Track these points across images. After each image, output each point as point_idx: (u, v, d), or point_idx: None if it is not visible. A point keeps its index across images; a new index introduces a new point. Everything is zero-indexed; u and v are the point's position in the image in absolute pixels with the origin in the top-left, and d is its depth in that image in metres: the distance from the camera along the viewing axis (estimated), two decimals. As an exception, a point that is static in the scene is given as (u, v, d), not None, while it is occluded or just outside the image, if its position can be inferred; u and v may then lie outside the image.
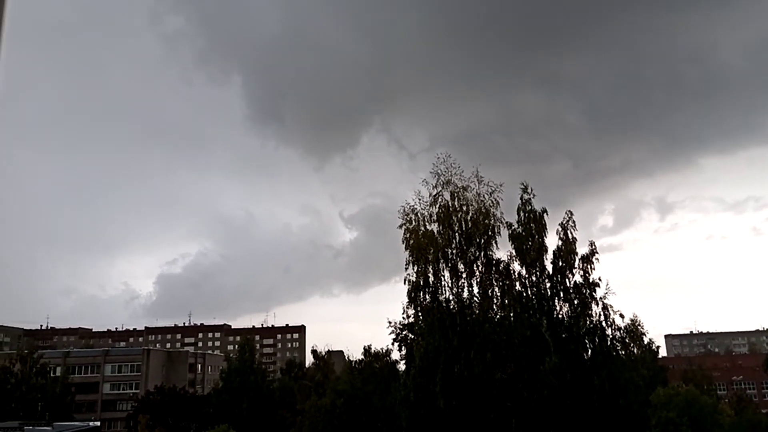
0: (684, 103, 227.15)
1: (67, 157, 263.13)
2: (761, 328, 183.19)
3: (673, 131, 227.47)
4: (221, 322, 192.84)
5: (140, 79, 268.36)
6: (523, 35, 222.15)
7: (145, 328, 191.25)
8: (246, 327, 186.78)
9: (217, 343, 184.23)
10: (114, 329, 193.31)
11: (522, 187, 34.69)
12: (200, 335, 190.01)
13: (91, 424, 70.48)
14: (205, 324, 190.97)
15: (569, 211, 35.02)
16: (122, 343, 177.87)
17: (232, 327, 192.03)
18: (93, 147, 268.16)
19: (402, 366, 40.75)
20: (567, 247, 33.65)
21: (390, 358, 52.95)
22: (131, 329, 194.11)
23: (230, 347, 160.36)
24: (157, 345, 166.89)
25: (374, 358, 55.38)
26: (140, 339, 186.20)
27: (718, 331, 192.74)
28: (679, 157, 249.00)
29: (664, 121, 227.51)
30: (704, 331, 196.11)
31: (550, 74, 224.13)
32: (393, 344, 39.05)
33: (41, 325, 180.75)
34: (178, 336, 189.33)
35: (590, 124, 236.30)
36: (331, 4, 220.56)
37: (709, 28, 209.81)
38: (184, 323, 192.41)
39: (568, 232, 34.11)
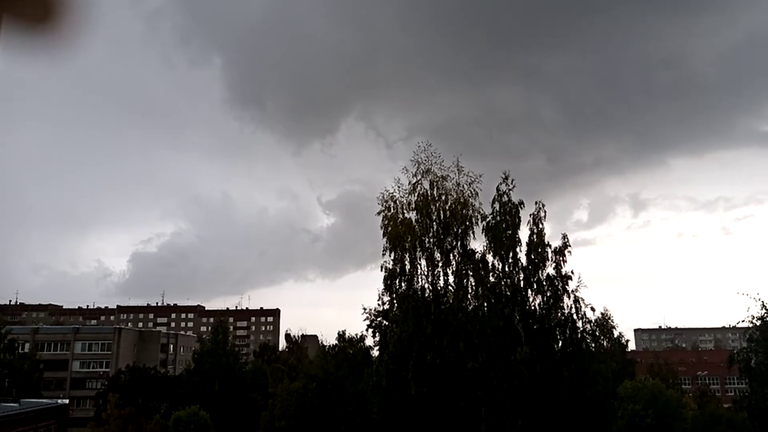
0: (656, 105, 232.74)
1: (42, 133, 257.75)
2: (727, 325, 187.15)
3: (644, 131, 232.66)
4: (195, 303, 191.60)
5: (119, 56, 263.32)
6: (503, 31, 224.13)
7: (117, 306, 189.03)
8: (220, 309, 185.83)
9: (191, 324, 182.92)
10: (85, 307, 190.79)
11: (503, 176, 34.88)
12: (173, 316, 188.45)
13: (59, 401, 69.65)
14: (178, 305, 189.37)
15: (539, 201, 35.27)
16: (93, 321, 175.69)
17: (206, 308, 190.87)
18: (69, 123, 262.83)
19: (375, 352, 41.04)
20: (538, 239, 34.00)
21: (364, 344, 53.13)
22: (103, 307, 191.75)
23: (203, 329, 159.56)
24: (129, 324, 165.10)
25: (348, 344, 55.48)
26: (112, 317, 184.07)
27: (686, 327, 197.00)
28: (650, 157, 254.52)
29: (636, 121, 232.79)
30: (672, 326, 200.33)
31: (529, 71, 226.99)
32: (367, 330, 39.25)
33: (10, 301, 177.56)
34: (151, 316, 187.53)
35: (566, 121, 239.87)
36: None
37: (682, 35, 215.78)
38: (157, 303, 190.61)
39: (539, 223, 34.48)
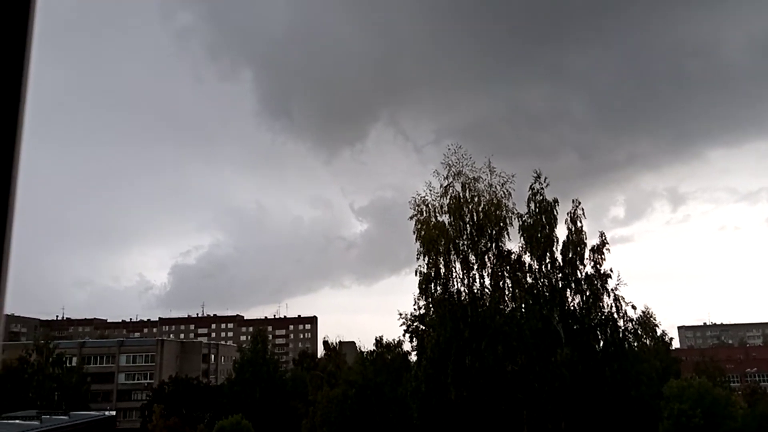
0: (689, 97, 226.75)
1: (81, 151, 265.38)
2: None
3: (679, 124, 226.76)
4: (234, 313, 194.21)
5: (152, 74, 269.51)
6: (528, 28, 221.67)
7: (159, 318, 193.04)
8: (258, 318, 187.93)
9: (230, 334, 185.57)
10: (128, 320, 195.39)
11: (534, 175, 34.52)
12: (213, 326, 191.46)
13: (106, 413, 71.38)
14: (218, 315, 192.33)
15: (576, 200, 34.79)
16: (136, 334, 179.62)
17: (245, 318, 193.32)
18: (107, 141, 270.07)
19: (413, 357, 40.91)
20: (576, 237, 33.52)
21: (401, 349, 53.05)
22: (145, 320, 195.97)
23: (243, 338, 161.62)
24: (171, 336, 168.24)
25: (386, 349, 55.51)
26: (154, 330, 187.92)
27: (732, 322, 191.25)
28: (686, 150, 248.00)
29: (669, 114, 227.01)
30: (718, 322, 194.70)
31: (556, 67, 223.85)
32: (404, 335, 39.13)
33: (57, 316, 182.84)
34: (192, 327, 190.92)
35: (596, 117, 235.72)
36: (338, 0, 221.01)
37: (713, 23, 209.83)
38: (197, 314, 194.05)
39: (577, 221, 33.98)
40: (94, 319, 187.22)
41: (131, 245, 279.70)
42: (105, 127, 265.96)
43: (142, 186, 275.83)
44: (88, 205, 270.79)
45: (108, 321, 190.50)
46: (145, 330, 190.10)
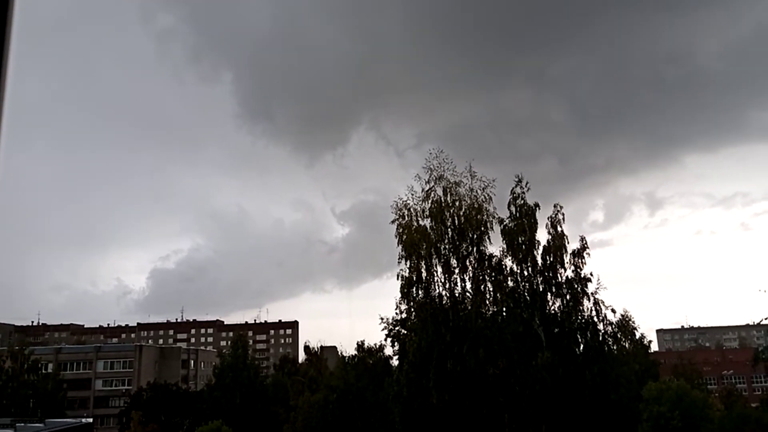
0: (665, 103, 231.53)
1: (59, 154, 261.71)
2: (751, 323, 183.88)
3: (655, 129, 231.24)
4: (214, 318, 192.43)
5: (132, 76, 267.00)
6: (507, 35, 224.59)
7: (138, 324, 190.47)
8: (239, 323, 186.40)
9: (210, 339, 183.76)
10: (106, 325, 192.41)
11: (516, 179, 34.78)
12: (193, 331, 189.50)
13: (83, 420, 70.13)
14: (197, 320, 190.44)
15: (557, 204, 35.13)
16: (114, 340, 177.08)
17: (225, 323, 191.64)
18: (85, 143, 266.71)
19: (395, 361, 40.89)
20: (556, 241, 33.81)
21: (383, 353, 53.03)
22: (123, 325, 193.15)
23: (223, 343, 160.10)
24: (150, 341, 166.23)
25: (367, 354, 55.40)
26: (132, 335, 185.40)
27: (709, 325, 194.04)
28: (663, 155, 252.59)
29: (646, 119, 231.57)
30: (695, 325, 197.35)
31: (535, 73, 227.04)
32: (386, 340, 39.09)
33: (32, 322, 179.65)
34: (171, 332, 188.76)
35: (575, 123, 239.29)
36: (320, 4, 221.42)
37: (688, 31, 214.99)
38: (176, 319, 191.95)
39: (558, 226, 34.27)
40: (71, 324, 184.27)
41: (110, 249, 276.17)
42: (83, 130, 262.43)
43: (122, 189, 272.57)
44: (66, 208, 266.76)
45: (85, 326, 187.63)
46: (123, 335, 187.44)
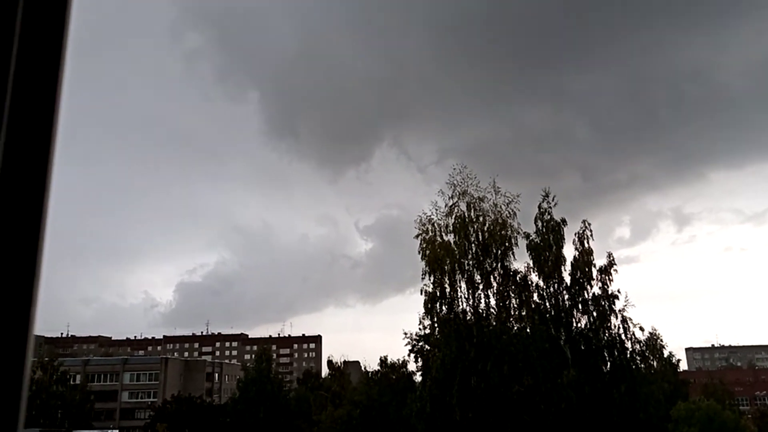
0: (687, 120, 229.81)
1: (89, 169, 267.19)
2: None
3: (678, 146, 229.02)
4: (238, 332, 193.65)
5: (160, 94, 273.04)
6: (529, 52, 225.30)
7: (164, 336, 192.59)
8: (263, 337, 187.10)
9: (234, 353, 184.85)
10: (133, 338, 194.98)
11: (543, 194, 34.55)
12: (218, 344, 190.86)
13: (109, 432, 70.95)
14: (222, 333, 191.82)
15: (585, 221, 34.77)
16: (141, 352, 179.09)
17: (249, 336, 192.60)
18: (114, 159, 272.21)
19: (418, 377, 40.63)
20: (584, 258, 33.41)
21: (406, 369, 52.68)
22: (150, 338, 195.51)
23: (247, 357, 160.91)
24: (175, 354, 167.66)
25: (390, 369, 55.12)
26: (158, 348, 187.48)
27: (740, 344, 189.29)
28: (688, 171, 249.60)
29: (669, 136, 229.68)
30: (726, 344, 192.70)
31: (556, 89, 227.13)
32: (409, 355, 38.87)
33: (62, 333, 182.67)
34: (196, 345, 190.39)
35: (596, 139, 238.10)
36: (343, 24, 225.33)
37: (708, 48, 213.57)
38: (201, 332, 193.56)
39: (585, 242, 33.90)
40: (99, 336, 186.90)
41: (138, 262, 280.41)
42: (111, 145, 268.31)
43: (150, 204, 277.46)
44: (96, 222, 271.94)
45: (112, 338, 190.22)
46: (150, 348, 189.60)
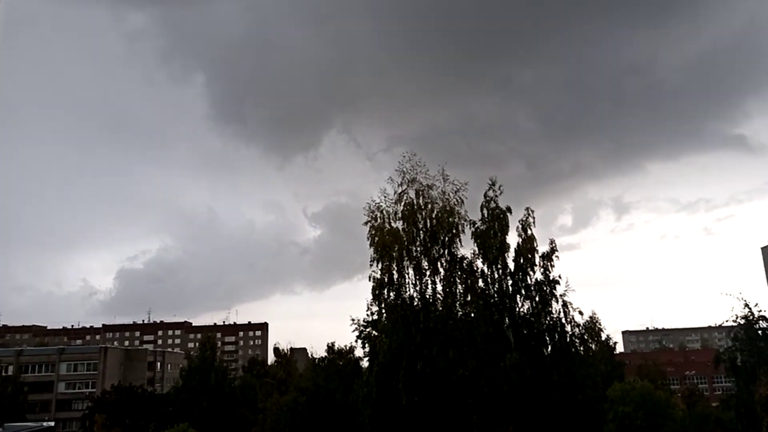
0: (627, 112, 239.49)
1: (25, 152, 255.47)
2: (713, 325, 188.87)
3: (619, 137, 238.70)
4: (182, 320, 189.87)
5: (101, 76, 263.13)
6: (476, 43, 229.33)
7: (103, 325, 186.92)
8: (207, 324, 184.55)
9: (178, 341, 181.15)
10: (70, 327, 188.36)
11: (489, 182, 35.06)
12: (160, 333, 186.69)
13: (44, 424, 68.50)
14: (165, 321, 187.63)
15: (529, 208, 35.48)
16: (78, 341, 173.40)
17: (194, 325, 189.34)
18: (52, 142, 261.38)
19: (365, 363, 40.82)
20: (527, 245, 34.18)
21: (353, 355, 52.94)
22: (88, 327, 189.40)
23: (191, 345, 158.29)
24: (115, 343, 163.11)
25: (337, 356, 55.21)
26: (98, 337, 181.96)
27: (673, 327, 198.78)
28: (627, 162, 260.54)
29: (609, 127, 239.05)
30: (660, 327, 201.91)
31: (503, 81, 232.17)
32: (357, 341, 38.96)
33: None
34: (137, 334, 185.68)
35: (541, 129, 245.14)
36: (293, 8, 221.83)
37: (648, 44, 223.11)
38: (143, 321, 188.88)
39: (528, 229, 34.66)
40: (33, 325, 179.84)
41: (76, 249, 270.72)
42: (49, 128, 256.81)
43: (89, 189, 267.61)
44: (31, 208, 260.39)
45: (48, 328, 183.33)
46: (88, 337, 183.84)
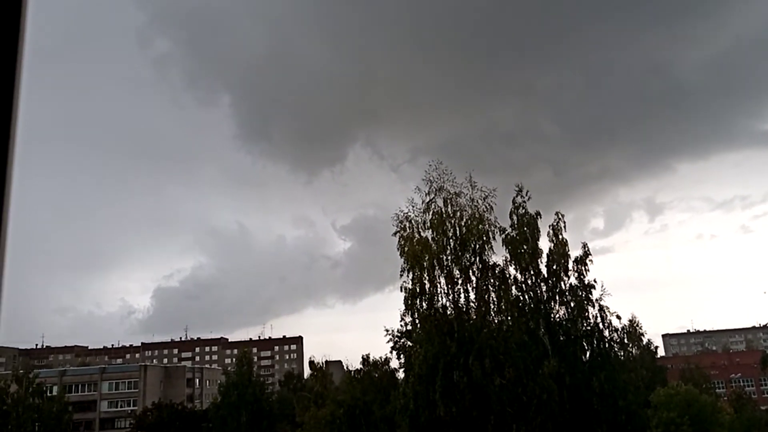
0: (651, 113, 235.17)
1: (62, 178, 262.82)
2: (757, 325, 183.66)
3: (644, 139, 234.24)
4: (218, 336, 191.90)
5: (131, 101, 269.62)
6: (495, 51, 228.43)
7: (142, 344, 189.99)
8: (243, 340, 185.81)
9: (215, 357, 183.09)
10: (110, 346, 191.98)
11: (516, 189, 34.81)
12: (197, 349, 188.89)
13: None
14: (202, 338, 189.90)
15: (559, 212, 35.12)
16: (119, 360, 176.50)
17: (230, 340, 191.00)
18: (87, 167, 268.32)
19: (401, 374, 40.66)
20: (559, 249, 33.77)
21: (389, 366, 52.68)
22: (128, 345, 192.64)
23: (228, 360, 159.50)
24: (154, 361, 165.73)
25: (373, 367, 55.04)
26: (137, 355, 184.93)
27: (715, 329, 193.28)
28: (656, 163, 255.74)
29: (634, 129, 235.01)
30: (701, 329, 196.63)
31: (524, 87, 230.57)
32: (391, 353, 38.90)
33: (36, 345, 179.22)
34: (175, 351, 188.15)
35: (565, 134, 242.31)
36: (313, 25, 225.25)
37: (669, 44, 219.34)
38: (180, 338, 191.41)
39: (560, 234, 34.26)
40: (75, 346, 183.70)
41: (113, 270, 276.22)
42: (85, 154, 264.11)
43: (123, 211, 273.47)
44: (68, 231, 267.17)
45: (89, 348, 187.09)
46: (128, 356, 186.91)
